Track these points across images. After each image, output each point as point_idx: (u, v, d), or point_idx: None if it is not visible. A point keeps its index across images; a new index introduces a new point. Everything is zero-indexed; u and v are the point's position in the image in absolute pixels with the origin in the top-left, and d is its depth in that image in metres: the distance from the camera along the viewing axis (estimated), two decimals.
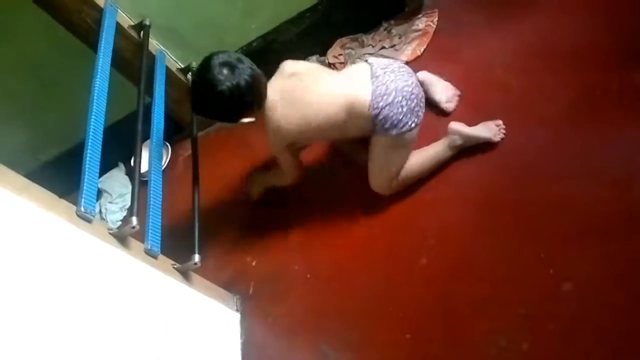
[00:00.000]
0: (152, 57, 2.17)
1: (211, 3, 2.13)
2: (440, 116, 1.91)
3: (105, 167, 2.79)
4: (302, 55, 2.34)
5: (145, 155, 2.09)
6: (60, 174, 2.00)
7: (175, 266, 1.70)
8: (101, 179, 2.73)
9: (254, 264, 2.00)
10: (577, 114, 1.65)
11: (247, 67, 1.63)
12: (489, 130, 1.74)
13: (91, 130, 1.56)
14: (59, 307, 1.22)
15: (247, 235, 2.09)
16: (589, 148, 1.58)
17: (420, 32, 2.15)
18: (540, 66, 1.81)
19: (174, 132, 2.60)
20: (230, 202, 2.24)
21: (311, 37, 2.30)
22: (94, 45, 1.89)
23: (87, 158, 1.48)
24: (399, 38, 2.21)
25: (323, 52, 2.36)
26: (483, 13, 2.07)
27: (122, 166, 2.81)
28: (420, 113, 1.70)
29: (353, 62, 2.20)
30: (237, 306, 1.93)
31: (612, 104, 1.62)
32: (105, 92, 1.70)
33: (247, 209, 2.16)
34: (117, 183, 2.75)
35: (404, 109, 1.64)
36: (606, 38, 1.75)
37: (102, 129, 1.60)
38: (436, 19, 2.16)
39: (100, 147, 1.56)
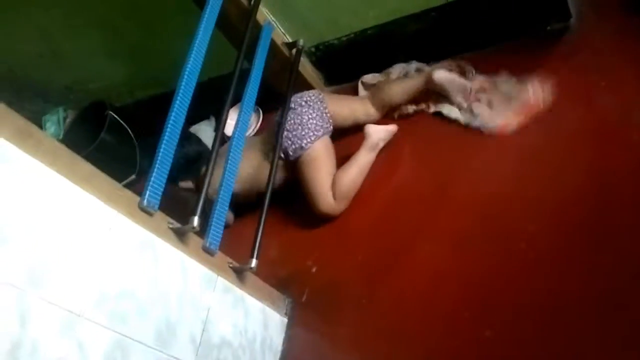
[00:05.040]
0: (258, 27, 2.05)
1: None
2: None
3: (197, 117, 2.78)
4: (412, 56, 2.19)
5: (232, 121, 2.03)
6: (149, 114, 2.08)
7: (231, 265, 1.64)
8: (191, 128, 2.72)
9: (314, 270, 1.91)
10: None
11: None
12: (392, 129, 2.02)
13: (179, 95, 1.53)
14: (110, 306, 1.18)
15: (314, 239, 2.00)
16: None
17: (526, 101, 1.84)
18: None
19: (269, 100, 2.50)
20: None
21: (429, 40, 2.09)
22: (201, 4, 1.80)
23: (161, 150, 1.41)
24: (502, 98, 1.91)
25: (432, 59, 2.15)
26: (635, 54, 1.76)
27: (212, 120, 2.78)
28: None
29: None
30: (287, 310, 1.85)
31: None
32: (203, 52, 1.66)
33: None
34: (204, 135, 2.72)
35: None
36: None
37: (189, 97, 1.56)
38: (551, 91, 1.82)
39: (184, 117, 1.53)
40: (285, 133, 2.01)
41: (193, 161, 2.16)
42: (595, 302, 1.39)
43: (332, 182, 1.98)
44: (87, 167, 1.21)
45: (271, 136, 2.09)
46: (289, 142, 2.01)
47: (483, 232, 1.65)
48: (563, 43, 1.94)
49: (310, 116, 2.03)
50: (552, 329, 1.40)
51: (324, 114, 2.06)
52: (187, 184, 2.21)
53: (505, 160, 1.79)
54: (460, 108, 1.99)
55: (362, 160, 2.00)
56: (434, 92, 2.05)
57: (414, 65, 2.20)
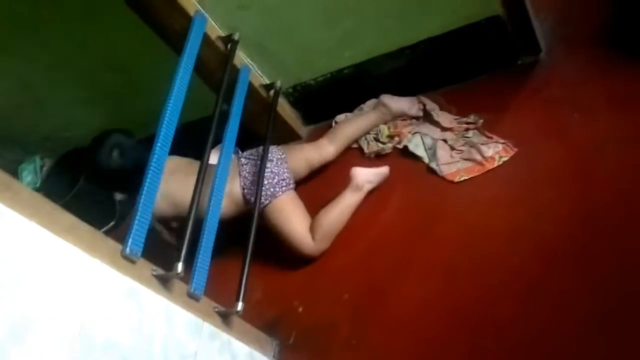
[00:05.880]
0: (236, 70, 2.07)
1: (310, 26, 2.02)
2: None
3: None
4: (392, 91, 2.21)
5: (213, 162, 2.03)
6: None
7: (217, 310, 1.61)
8: None
9: (300, 309, 1.89)
10: None
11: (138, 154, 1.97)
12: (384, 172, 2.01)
13: (159, 141, 1.55)
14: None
15: (299, 278, 1.98)
16: None
17: (480, 160, 1.89)
18: None
19: (247, 142, 2.51)
20: None
21: (404, 77, 2.14)
22: (179, 51, 1.83)
23: (143, 197, 1.41)
24: (464, 146, 1.98)
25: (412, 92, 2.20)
26: (606, 85, 1.81)
27: None
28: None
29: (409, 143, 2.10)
30: (274, 353, 1.82)
31: None
32: (182, 97, 1.69)
33: None
34: None
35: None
36: None
37: (169, 143, 1.58)
38: (508, 156, 1.85)
39: (163, 167, 1.54)
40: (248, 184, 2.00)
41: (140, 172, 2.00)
42: (581, 327, 1.40)
43: (310, 224, 1.97)
44: (68, 218, 1.19)
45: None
46: (250, 193, 1.98)
47: (468, 265, 1.66)
48: (534, 76, 1.99)
49: (273, 171, 2.02)
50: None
51: (286, 172, 2.05)
52: (124, 197, 2.15)
53: (485, 194, 1.81)
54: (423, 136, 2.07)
55: (346, 201, 1.99)
56: (401, 124, 2.16)
57: None
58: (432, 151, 2.01)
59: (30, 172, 2.89)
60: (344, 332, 1.75)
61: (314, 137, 2.38)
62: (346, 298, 1.81)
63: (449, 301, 1.64)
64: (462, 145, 1.98)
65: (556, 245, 1.58)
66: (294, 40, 2.08)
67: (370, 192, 2.03)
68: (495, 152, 1.88)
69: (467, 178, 1.88)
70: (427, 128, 2.09)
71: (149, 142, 1.56)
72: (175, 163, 2.02)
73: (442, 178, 1.92)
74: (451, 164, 1.94)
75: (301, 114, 2.45)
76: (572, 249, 1.54)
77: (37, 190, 2.70)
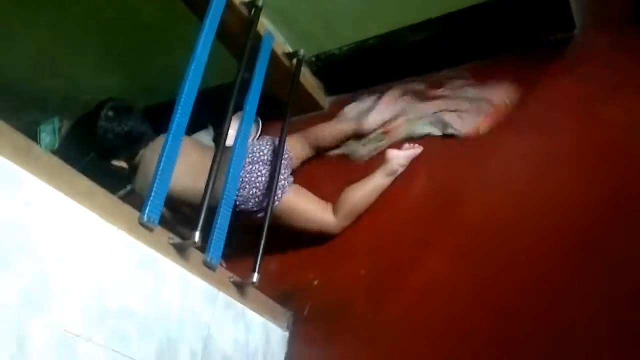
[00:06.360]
0: (259, 37, 2.02)
1: None
2: None
3: (194, 127, 2.74)
4: (413, 66, 2.16)
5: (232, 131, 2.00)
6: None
7: (232, 280, 1.61)
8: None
9: (315, 283, 1.88)
10: None
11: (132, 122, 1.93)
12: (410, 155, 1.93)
13: (180, 107, 1.52)
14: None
15: (316, 252, 1.95)
16: None
17: (491, 109, 1.86)
18: None
19: (268, 110, 2.48)
20: None
21: (431, 50, 2.08)
22: (201, 16, 1.78)
23: (162, 163, 1.38)
24: (469, 104, 1.93)
25: (432, 69, 2.14)
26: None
27: (211, 130, 2.74)
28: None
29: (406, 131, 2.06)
30: (289, 324, 1.82)
31: None
32: (204, 64, 1.64)
33: None
34: None
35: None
36: None
37: (190, 110, 1.54)
38: (514, 97, 1.86)
39: (183, 134, 1.52)
40: (254, 190, 1.91)
41: (134, 141, 1.97)
42: (609, 313, 1.37)
43: (332, 204, 1.94)
44: (86, 183, 1.18)
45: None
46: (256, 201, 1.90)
47: (491, 248, 1.62)
48: (567, 54, 1.92)
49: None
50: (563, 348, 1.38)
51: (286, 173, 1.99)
52: (121, 164, 2.02)
53: (511, 174, 1.76)
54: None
55: (376, 183, 1.93)
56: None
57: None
58: (440, 122, 1.97)
59: (49, 134, 2.88)
60: (359, 308, 1.73)
61: (336, 108, 2.35)
62: (363, 274, 1.79)
63: (468, 282, 1.61)
64: (465, 104, 1.95)
65: (582, 230, 1.53)
66: (320, 7, 2.03)
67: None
68: (499, 98, 1.88)
69: (487, 130, 1.88)
70: (416, 110, 2.06)
71: (168, 108, 1.54)
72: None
73: (465, 139, 1.90)
74: (466, 121, 1.92)
75: (324, 84, 2.40)
76: (600, 234, 1.49)
77: (56, 152, 2.71)
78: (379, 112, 2.14)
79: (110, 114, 1.92)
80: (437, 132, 1.99)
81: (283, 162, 1.91)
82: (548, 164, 1.71)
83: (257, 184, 1.91)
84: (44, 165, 1.07)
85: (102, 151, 1.98)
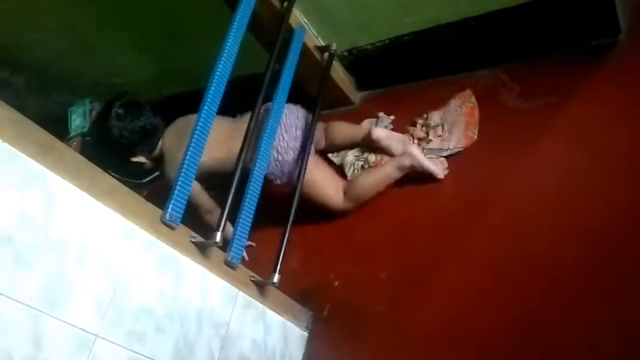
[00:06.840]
0: (291, 30, 1.98)
1: None
2: None
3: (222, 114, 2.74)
4: (448, 65, 2.10)
5: None
6: (176, 111, 2.08)
7: (253, 279, 1.59)
8: None
9: (336, 283, 1.85)
10: None
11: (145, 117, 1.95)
12: (438, 166, 1.87)
13: (209, 98, 1.51)
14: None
15: (338, 251, 1.93)
16: None
17: (463, 114, 1.87)
18: None
19: (297, 102, 2.45)
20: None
21: (467, 49, 2.02)
22: (233, 6, 1.75)
23: (187, 156, 1.37)
24: (451, 127, 1.95)
25: (467, 69, 2.08)
26: None
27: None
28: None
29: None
30: (307, 324, 1.80)
31: None
32: (234, 55, 1.63)
33: (349, 222, 1.98)
34: None
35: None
36: None
37: (219, 101, 1.54)
38: (473, 97, 1.85)
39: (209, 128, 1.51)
40: (275, 154, 1.91)
41: (150, 134, 2.00)
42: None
43: (344, 183, 1.97)
44: (109, 181, 1.17)
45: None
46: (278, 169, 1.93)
47: (517, 259, 1.57)
48: (610, 59, 1.83)
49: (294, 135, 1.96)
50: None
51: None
52: (139, 159, 2.04)
53: (545, 183, 1.70)
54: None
55: (386, 173, 1.90)
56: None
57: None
58: (435, 148, 1.96)
59: (80, 115, 2.90)
60: (378, 312, 1.70)
61: (366, 104, 2.32)
62: (384, 277, 1.76)
63: (492, 293, 1.57)
64: (439, 129, 1.98)
65: (616, 243, 1.47)
66: (354, 1, 1.97)
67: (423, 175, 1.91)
68: (460, 103, 1.96)
69: (477, 130, 1.90)
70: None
71: (196, 97, 1.52)
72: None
73: (463, 149, 1.90)
74: (454, 136, 1.93)
75: (355, 79, 2.35)
76: (633, 247, 1.43)
77: (85, 134, 2.72)
78: (390, 132, 2.07)
79: (121, 111, 1.94)
80: (440, 155, 1.95)
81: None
82: (585, 176, 1.64)
83: (279, 149, 1.91)
84: (67, 163, 1.06)
85: (121, 150, 1.99)
